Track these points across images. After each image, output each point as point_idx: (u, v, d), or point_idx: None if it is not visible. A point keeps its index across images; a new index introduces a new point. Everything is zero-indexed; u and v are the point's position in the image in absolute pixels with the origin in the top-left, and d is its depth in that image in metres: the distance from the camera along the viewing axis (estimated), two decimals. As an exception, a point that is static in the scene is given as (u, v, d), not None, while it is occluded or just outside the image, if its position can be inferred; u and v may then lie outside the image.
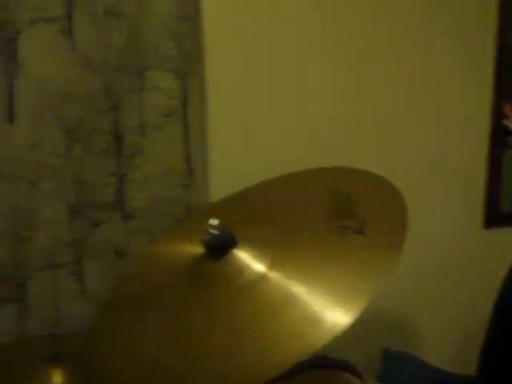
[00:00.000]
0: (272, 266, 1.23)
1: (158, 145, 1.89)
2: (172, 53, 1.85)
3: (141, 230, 1.91)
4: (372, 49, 1.99)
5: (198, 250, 1.33)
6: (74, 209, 1.86)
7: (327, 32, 1.96)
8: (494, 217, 2.19)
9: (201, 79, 1.89)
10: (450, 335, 2.18)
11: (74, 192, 1.85)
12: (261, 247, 1.27)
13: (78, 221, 1.87)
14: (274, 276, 1.22)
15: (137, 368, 1.26)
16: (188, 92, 1.87)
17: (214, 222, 1.26)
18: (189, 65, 1.87)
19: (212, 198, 1.92)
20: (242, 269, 1.25)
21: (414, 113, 2.06)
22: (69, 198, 1.85)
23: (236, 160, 1.92)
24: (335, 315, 1.12)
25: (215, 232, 1.26)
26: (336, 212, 1.32)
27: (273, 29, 1.93)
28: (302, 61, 1.96)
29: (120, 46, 1.82)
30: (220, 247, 1.26)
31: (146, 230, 1.91)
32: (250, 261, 1.25)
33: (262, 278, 1.22)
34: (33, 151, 1.81)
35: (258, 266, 1.24)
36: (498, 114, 2.14)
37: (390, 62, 2.01)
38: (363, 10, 1.98)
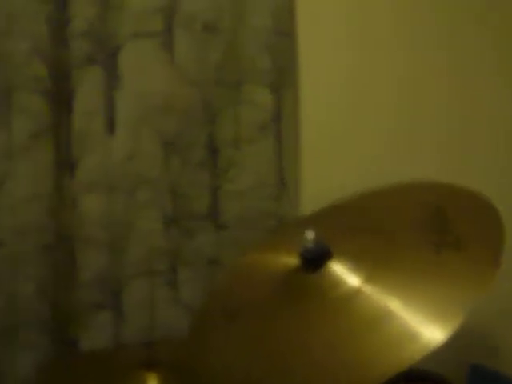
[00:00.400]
0: (367, 279, 1.24)
1: (251, 158, 1.92)
2: (267, 67, 1.88)
3: (233, 240, 1.94)
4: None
5: (292, 261, 1.35)
6: (169, 219, 1.90)
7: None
8: None
9: (295, 93, 1.91)
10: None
11: (169, 203, 1.90)
12: (356, 261, 1.28)
13: (173, 231, 1.91)
14: (370, 290, 1.22)
15: (229, 378, 1.28)
16: (282, 106, 1.90)
17: (310, 234, 1.28)
18: (283, 79, 1.89)
19: (303, 210, 1.93)
20: (337, 282, 1.26)
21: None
22: (165, 208, 1.90)
23: (328, 173, 1.93)
24: (431, 330, 1.13)
25: (311, 244, 1.28)
26: (431, 227, 1.32)
27: (367, 44, 1.94)
28: (394, 71, 1.96)
29: (217, 60, 1.86)
30: (316, 260, 1.28)
31: (238, 241, 1.94)
32: (345, 274, 1.26)
33: (357, 291, 1.23)
34: (131, 162, 1.86)
35: (353, 280, 1.25)
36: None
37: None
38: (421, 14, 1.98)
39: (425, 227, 1.33)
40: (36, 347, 1.89)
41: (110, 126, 1.84)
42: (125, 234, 1.88)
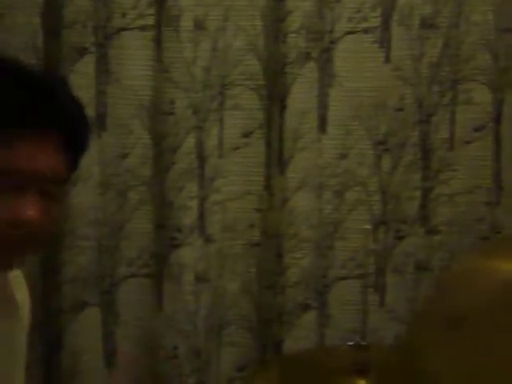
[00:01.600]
0: None
1: (466, 160, 1.84)
2: (488, 65, 1.79)
3: (443, 245, 1.87)
4: None
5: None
6: (378, 220, 1.85)
7: None
8: None
9: (517, 93, 1.82)
10: None
11: (379, 203, 1.85)
12: None
13: (381, 232, 1.86)
14: None
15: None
16: (503, 106, 1.81)
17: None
18: (505, 78, 1.80)
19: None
20: None
21: None
22: (374, 209, 1.85)
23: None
24: None
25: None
26: None
27: None
28: None
29: (434, 57, 1.80)
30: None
31: (448, 246, 1.87)
32: None
33: None
34: (342, 161, 1.83)
35: None
36: None
37: None
38: None
39: None
40: (240, 345, 1.90)
41: (322, 124, 1.82)
42: (332, 233, 1.85)
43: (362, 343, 1.55)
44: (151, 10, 1.78)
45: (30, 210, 0.97)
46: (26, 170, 0.97)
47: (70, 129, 1.01)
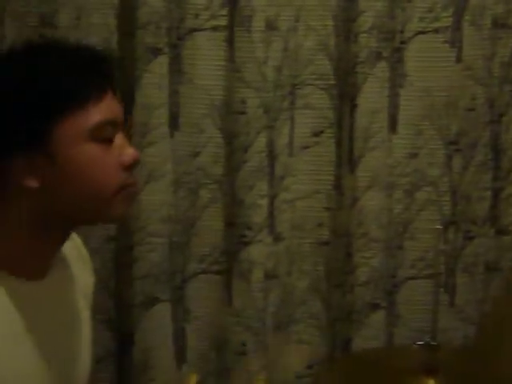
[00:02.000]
0: None
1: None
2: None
3: (514, 246, 1.86)
4: None
5: None
6: (448, 221, 1.85)
7: None
8: None
9: None
10: None
11: (449, 203, 1.84)
12: None
13: (451, 233, 1.85)
14: None
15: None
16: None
17: None
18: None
19: None
20: None
21: None
22: (444, 209, 1.84)
23: None
24: None
25: None
26: None
27: None
28: None
29: (505, 57, 1.79)
30: None
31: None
32: None
33: None
34: (412, 161, 1.83)
35: None
36: None
37: None
38: None
39: None
40: (308, 343, 1.91)
41: (393, 123, 1.82)
42: (402, 233, 1.85)
43: (432, 343, 1.55)
44: (224, 11, 1.80)
45: (134, 149, 1.11)
46: (117, 119, 1.10)
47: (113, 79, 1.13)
